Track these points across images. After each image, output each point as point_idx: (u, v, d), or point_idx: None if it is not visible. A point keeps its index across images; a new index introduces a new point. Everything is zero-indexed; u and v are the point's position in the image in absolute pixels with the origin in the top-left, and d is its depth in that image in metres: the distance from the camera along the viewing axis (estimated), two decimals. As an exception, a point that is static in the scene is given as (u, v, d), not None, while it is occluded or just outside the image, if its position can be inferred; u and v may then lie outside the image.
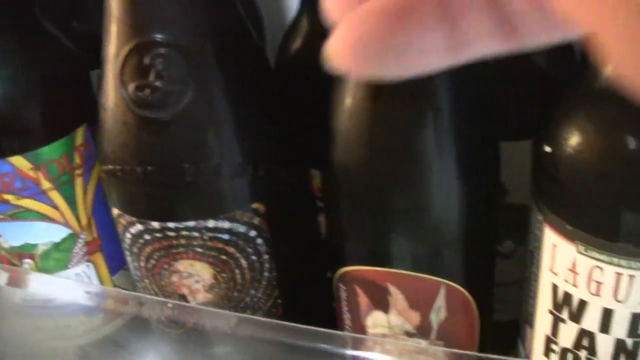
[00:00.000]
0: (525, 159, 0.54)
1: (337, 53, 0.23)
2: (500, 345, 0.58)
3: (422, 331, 0.55)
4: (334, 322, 0.61)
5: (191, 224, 0.54)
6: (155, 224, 0.55)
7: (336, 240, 0.55)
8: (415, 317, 0.54)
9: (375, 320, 0.56)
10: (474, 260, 0.54)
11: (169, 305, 0.56)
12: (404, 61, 0.23)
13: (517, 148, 0.58)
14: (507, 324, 0.65)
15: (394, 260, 0.53)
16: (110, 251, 0.68)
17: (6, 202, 0.62)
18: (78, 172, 0.63)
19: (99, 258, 0.67)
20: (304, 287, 0.61)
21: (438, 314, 0.54)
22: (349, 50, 0.23)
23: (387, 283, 0.53)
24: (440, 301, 0.53)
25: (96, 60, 0.54)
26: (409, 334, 0.55)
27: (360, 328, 0.57)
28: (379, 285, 0.54)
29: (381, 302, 0.55)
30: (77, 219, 0.64)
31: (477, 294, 0.55)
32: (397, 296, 0.53)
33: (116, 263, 0.69)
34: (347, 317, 0.58)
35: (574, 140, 0.45)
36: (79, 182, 0.63)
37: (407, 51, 0.23)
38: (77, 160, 0.62)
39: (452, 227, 0.52)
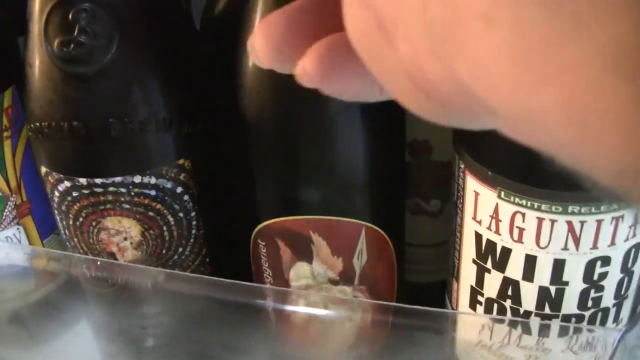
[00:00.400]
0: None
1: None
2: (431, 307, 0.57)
3: (346, 277, 0.54)
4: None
5: (118, 179, 0.52)
6: (83, 180, 0.53)
7: (254, 195, 0.54)
8: (338, 263, 0.53)
9: (299, 272, 0.54)
10: (388, 202, 0.55)
11: (98, 263, 0.55)
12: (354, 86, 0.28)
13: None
14: (437, 285, 0.64)
15: (315, 207, 0.52)
16: (40, 215, 0.65)
17: None
18: (6, 134, 0.61)
19: (29, 221, 0.65)
20: (232, 245, 0.59)
21: (360, 258, 0.53)
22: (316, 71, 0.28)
23: (309, 231, 0.52)
24: (362, 244, 0.52)
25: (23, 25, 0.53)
26: (333, 282, 0.54)
27: (283, 283, 0.55)
28: (301, 234, 0.52)
29: (304, 252, 0.53)
30: (7, 181, 0.62)
31: (393, 234, 0.55)
32: (320, 244, 0.52)
33: (46, 227, 0.67)
34: (268, 273, 0.56)
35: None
36: (7, 145, 0.61)
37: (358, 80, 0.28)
38: (5, 122, 0.60)
39: (365, 171, 0.52)
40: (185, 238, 0.56)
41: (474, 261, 0.50)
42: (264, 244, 0.54)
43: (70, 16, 0.49)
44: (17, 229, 0.64)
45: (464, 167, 0.48)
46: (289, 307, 0.53)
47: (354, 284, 0.54)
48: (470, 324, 0.52)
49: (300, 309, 0.52)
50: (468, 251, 0.50)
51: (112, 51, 0.49)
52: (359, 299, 0.54)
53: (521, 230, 0.45)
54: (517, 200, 0.44)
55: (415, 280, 0.66)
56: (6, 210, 0.63)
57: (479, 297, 0.51)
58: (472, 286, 0.51)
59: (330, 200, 0.52)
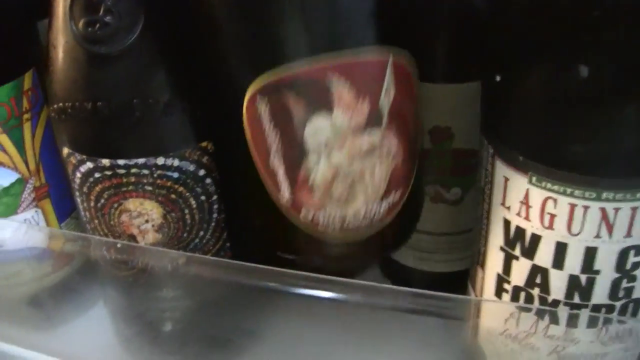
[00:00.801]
0: (471, 102, 0.50)
1: None
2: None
3: (373, 121, 0.45)
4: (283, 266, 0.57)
5: (141, 161, 0.50)
6: (105, 162, 0.51)
7: (251, 46, 0.45)
8: (364, 107, 0.45)
9: (317, 127, 0.45)
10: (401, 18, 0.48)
11: (118, 245, 0.53)
12: None
13: (463, 90, 0.54)
14: (457, 274, 0.61)
15: (329, 41, 0.43)
16: (58, 198, 0.64)
17: (-45, 145, 0.59)
18: (26, 116, 0.59)
19: (48, 204, 0.63)
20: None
21: (388, 94, 0.45)
22: None
23: (327, 73, 0.43)
24: (389, 76, 0.44)
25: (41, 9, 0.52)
26: (358, 130, 0.45)
27: (295, 145, 0.46)
28: (317, 79, 0.43)
29: (322, 101, 0.44)
30: (26, 163, 0.60)
31: (414, 59, 0.47)
32: (341, 87, 0.44)
33: (64, 210, 0.65)
34: (272, 136, 0.46)
35: (526, 69, 0.41)
36: (27, 127, 0.59)
37: None
38: (26, 104, 0.59)
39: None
40: (206, 222, 0.54)
41: (501, 248, 0.47)
42: (267, 100, 0.45)
43: (95, -4, 0.48)
44: (36, 211, 0.63)
45: (493, 152, 0.45)
46: (308, 291, 0.50)
47: (382, 127, 0.46)
48: (495, 312, 0.50)
49: (319, 293, 0.50)
50: (495, 238, 0.48)
51: (137, 32, 0.48)
52: (379, 285, 0.51)
53: (552, 216, 0.43)
54: (548, 185, 0.42)
55: (435, 270, 0.64)
56: (25, 193, 0.61)
57: (505, 285, 0.48)
58: (498, 274, 0.49)
59: (345, 27, 0.43)
